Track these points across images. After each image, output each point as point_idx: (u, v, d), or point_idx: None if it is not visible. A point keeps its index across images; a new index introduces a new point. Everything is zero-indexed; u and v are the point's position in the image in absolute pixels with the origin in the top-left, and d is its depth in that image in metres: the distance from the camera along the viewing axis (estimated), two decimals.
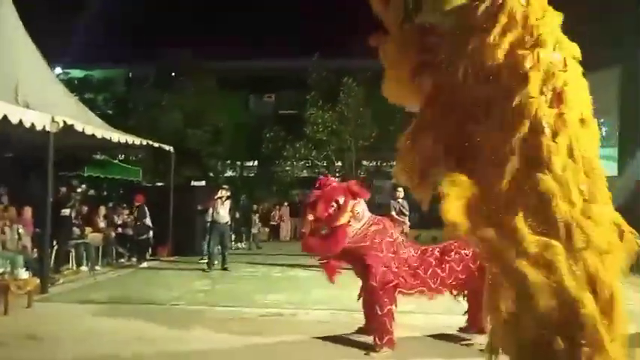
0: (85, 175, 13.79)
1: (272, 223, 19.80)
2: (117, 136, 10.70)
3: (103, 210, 12.08)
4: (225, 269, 10.88)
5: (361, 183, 5.87)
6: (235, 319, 6.54)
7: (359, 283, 5.60)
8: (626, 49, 12.49)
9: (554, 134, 2.35)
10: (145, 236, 12.05)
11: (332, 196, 5.22)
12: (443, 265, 5.25)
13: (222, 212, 11.08)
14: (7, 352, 5.12)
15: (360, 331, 5.74)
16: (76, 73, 22.14)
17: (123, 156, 17.26)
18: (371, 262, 5.19)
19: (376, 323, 5.24)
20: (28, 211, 9.52)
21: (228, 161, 21.36)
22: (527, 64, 2.36)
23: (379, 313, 5.13)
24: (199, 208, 12.80)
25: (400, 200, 10.75)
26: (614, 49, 12.87)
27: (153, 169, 17.00)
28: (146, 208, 12.26)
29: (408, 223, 10.92)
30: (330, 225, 5.13)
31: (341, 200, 5.17)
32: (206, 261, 11.31)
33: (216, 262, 11.05)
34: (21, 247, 8.87)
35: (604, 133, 14.38)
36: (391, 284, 5.16)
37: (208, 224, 11.56)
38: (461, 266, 5.21)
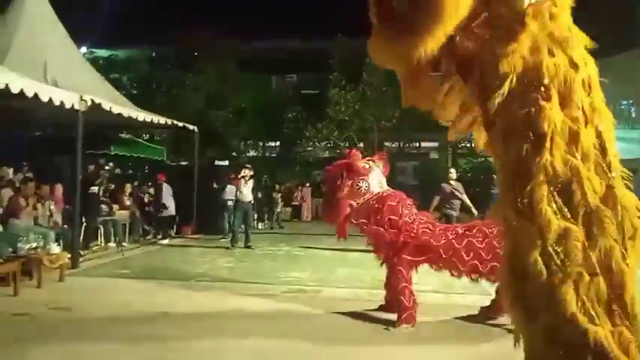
0: (112, 153, 14.07)
1: (294, 203, 19.96)
2: (142, 116, 10.86)
3: (129, 188, 12.32)
4: (248, 247, 11.05)
5: (383, 158, 5.91)
6: (259, 295, 6.67)
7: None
8: None
9: (586, 120, 2.32)
10: (166, 214, 12.31)
11: (337, 171, 5.56)
12: (463, 242, 5.25)
13: (246, 191, 11.22)
14: (42, 323, 5.34)
15: (381, 308, 5.83)
16: (101, 52, 22.41)
17: (147, 135, 17.59)
18: (374, 238, 5.44)
19: (395, 300, 5.35)
20: (59, 189, 9.81)
21: (250, 141, 21.48)
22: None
23: (396, 289, 5.26)
24: (215, 186, 12.97)
25: (453, 182, 9.64)
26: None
27: (177, 149, 17.23)
28: (169, 187, 12.51)
29: (456, 213, 9.54)
30: (332, 197, 5.49)
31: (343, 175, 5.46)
32: (228, 239, 11.53)
33: (239, 241, 11.23)
34: (52, 223, 9.17)
35: (634, 115, 14.08)
36: (400, 260, 5.26)
37: (232, 203, 11.74)
38: (484, 244, 5.21)
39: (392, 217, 5.34)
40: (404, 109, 17.43)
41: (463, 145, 22.58)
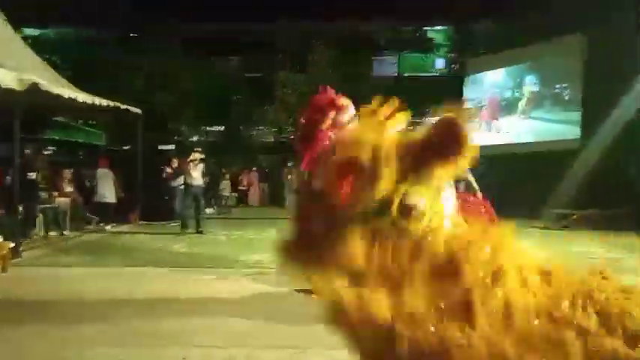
0: (48, 138, 13.27)
1: (240, 188, 19.70)
2: (83, 97, 10.26)
3: (67, 174, 11.68)
4: (200, 232, 10.80)
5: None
6: (221, 278, 6.56)
7: None
8: (588, 15, 12.82)
9: None
10: (105, 200, 11.79)
11: (317, 104, 5.39)
12: None
13: (196, 175, 10.93)
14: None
15: None
16: (30, 31, 20.90)
17: (82, 121, 16.63)
18: None
19: None
20: None
21: (197, 127, 20.91)
22: None
23: None
24: (168, 170, 12.63)
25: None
26: (577, 15, 13.20)
27: (117, 133, 16.46)
28: (109, 172, 11.99)
29: None
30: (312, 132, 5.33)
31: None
32: (177, 224, 11.24)
33: (190, 226, 10.97)
34: None
35: (567, 98, 14.89)
36: None
37: (182, 187, 11.42)
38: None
39: None
40: (350, 92, 17.54)
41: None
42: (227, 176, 17.78)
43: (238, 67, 24.84)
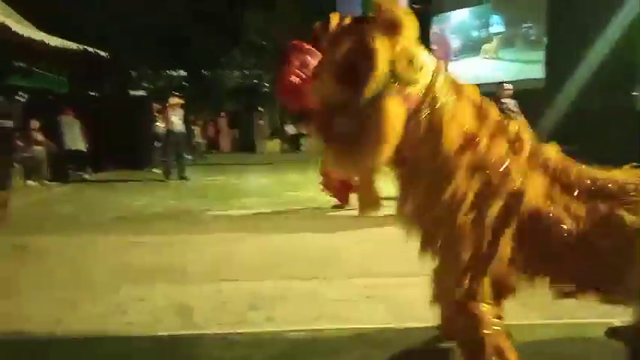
0: (7, 85, 12.59)
1: (208, 135, 19.49)
2: (55, 41, 9.82)
3: (36, 123, 11.28)
4: (183, 178, 10.84)
5: None
6: (225, 218, 6.75)
7: None
8: None
9: None
10: (79, 148, 11.51)
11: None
12: None
13: (176, 120, 10.83)
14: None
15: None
16: None
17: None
18: None
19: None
20: None
21: (160, 71, 20.16)
22: None
23: None
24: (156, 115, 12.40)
25: (505, 100, 7.93)
26: None
27: (79, 78, 15.75)
28: (75, 120, 11.62)
29: None
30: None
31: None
32: (158, 171, 11.21)
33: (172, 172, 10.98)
34: None
35: (532, 38, 15.28)
36: None
37: (164, 133, 11.30)
38: None
39: None
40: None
41: None
42: (198, 123, 17.56)
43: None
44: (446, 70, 2.43)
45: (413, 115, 2.27)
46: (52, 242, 5.62)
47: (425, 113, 2.27)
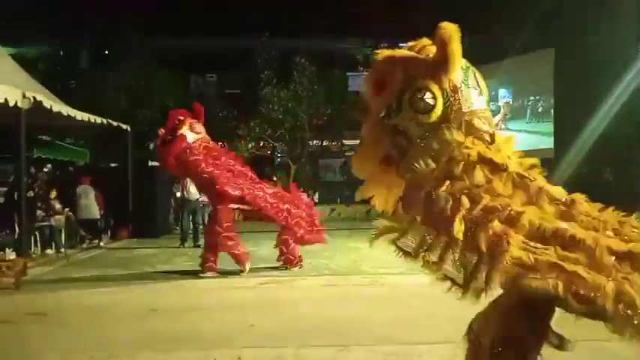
0: (34, 157, 13.11)
1: None
2: (81, 115, 10.30)
3: (54, 192, 11.56)
4: (197, 246, 10.90)
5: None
6: (237, 288, 6.76)
7: None
8: (557, 29, 13.69)
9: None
10: (90, 217, 11.70)
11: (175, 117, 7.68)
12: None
13: (192, 190, 11.07)
14: (19, 329, 5.02)
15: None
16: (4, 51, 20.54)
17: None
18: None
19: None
20: None
21: None
22: None
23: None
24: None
25: None
26: (546, 30, 14.08)
27: (101, 150, 16.35)
28: (91, 189, 11.87)
29: None
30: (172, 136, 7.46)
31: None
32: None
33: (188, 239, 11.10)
34: None
35: (540, 110, 15.72)
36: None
37: (180, 202, 11.56)
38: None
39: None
40: (334, 108, 18.07)
41: None
42: None
43: (214, 84, 25.06)
44: None
45: None
46: (70, 308, 5.65)
47: None
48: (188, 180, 11.10)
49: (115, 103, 17.44)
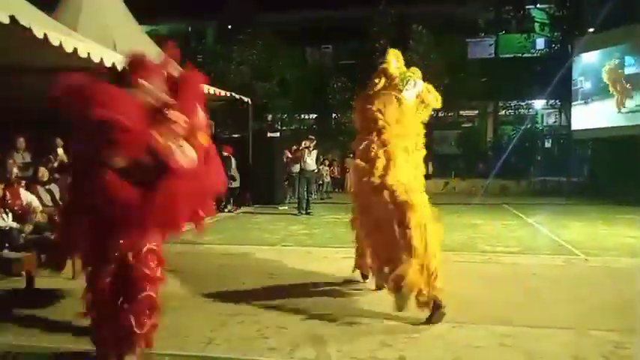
0: None
1: (333, 175, 20.06)
2: (214, 89, 11.03)
3: None
4: (308, 213, 11.38)
5: None
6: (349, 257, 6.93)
7: None
8: None
9: None
10: (232, 185, 12.54)
11: None
12: None
13: (310, 161, 11.50)
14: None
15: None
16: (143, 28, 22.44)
17: None
18: None
19: None
20: None
21: (295, 115, 21.68)
22: None
23: None
24: (288, 156, 13.27)
25: None
26: None
27: (224, 121, 17.38)
28: (233, 159, 12.71)
29: None
30: None
31: None
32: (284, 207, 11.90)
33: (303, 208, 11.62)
34: None
35: None
36: None
37: (297, 173, 12.09)
38: None
39: None
40: (451, 77, 17.38)
41: (504, 112, 22.40)
42: (326, 162, 18.27)
43: (330, 56, 25.30)
44: None
45: None
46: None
47: None
48: (306, 151, 11.52)
49: (238, 77, 18.37)
